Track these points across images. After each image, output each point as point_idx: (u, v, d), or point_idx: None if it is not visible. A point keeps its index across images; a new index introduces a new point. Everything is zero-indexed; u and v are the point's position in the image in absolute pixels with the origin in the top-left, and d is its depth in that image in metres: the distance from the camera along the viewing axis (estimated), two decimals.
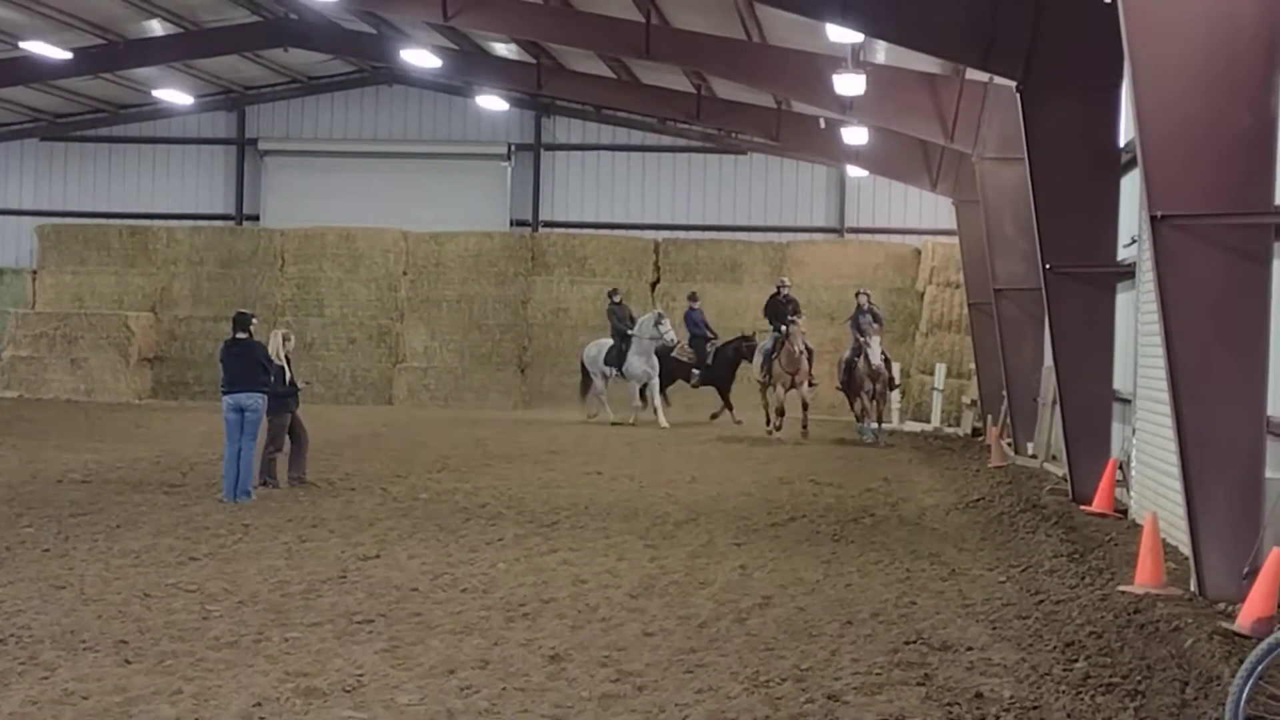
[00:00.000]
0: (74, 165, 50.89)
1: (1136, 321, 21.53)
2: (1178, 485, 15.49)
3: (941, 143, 33.32)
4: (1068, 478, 23.91)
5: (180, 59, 44.07)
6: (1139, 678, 11.98)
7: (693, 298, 41.81)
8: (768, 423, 36.12)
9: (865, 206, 47.93)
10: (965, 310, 39.83)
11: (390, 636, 13.14)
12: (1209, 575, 15.04)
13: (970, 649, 13.08)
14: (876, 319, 36.49)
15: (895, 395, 39.76)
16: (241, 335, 23.05)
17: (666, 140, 48.93)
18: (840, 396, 38.79)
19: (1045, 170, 22.76)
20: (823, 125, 41.25)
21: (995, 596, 15.85)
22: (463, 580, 16.09)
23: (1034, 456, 30.06)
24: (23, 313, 47.76)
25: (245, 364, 22.80)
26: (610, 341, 40.16)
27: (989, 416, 35.39)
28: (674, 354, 40.17)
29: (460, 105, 49.21)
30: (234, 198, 50.57)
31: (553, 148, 49.70)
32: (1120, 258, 23.63)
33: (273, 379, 23.20)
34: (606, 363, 39.99)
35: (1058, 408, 24.41)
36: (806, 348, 35.87)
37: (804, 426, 35.52)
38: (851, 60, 30.65)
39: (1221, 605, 14.54)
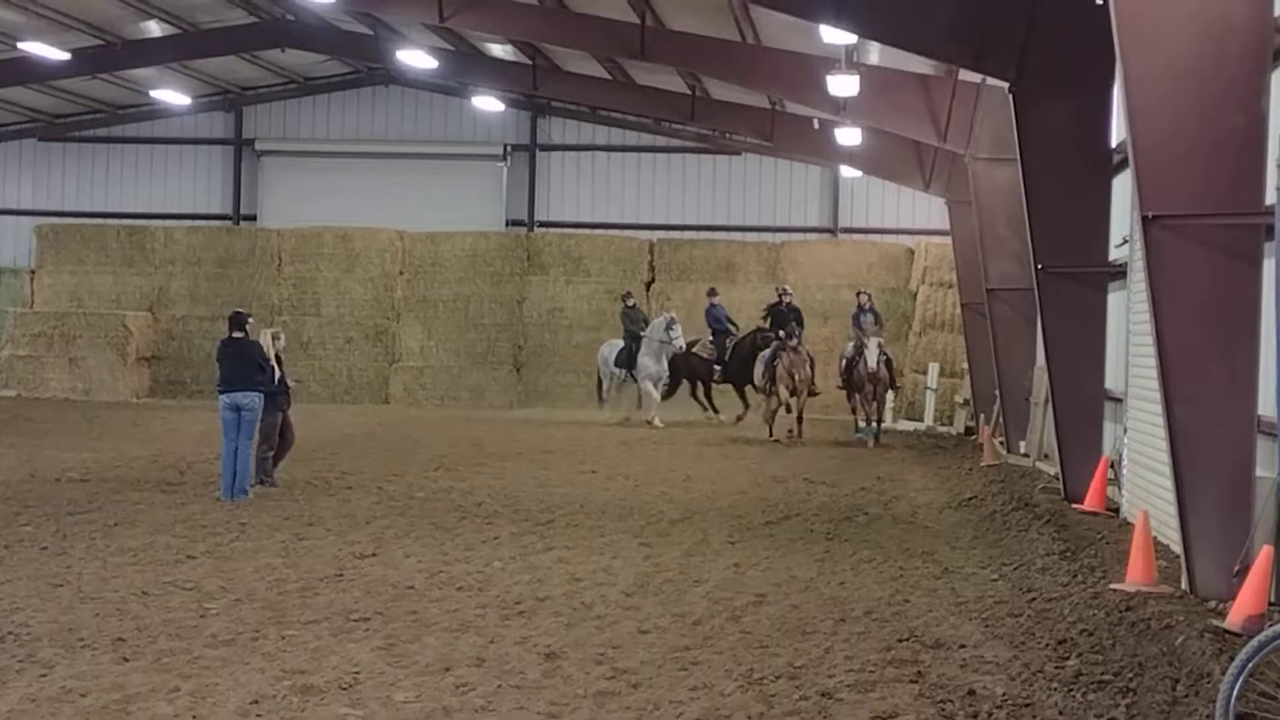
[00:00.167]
0: (72, 165, 50.88)
1: (1128, 321, 21.59)
2: (1169, 484, 15.57)
3: (934, 143, 33.38)
4: (1060, 476, 23.98)
5: (178, 60, 44.10)
6: (1130, 675, 12.03)
7: (712, 293, 41.35)
8: (770, 433, 35.52)
9: (859, 206, 47.97)
10: (958, 310, 39.84)
11: (386, 634, 13.20)
12: (1200, 573, 15.11)
13: (963, 646, 13.13)
14: (877, 319, 36.44)
15: (889, 395, 39.54)
16: (238, 334, 23.07)
17: (661, 141, 48.97)
18: (836, 396, 38.80)
19: (1037, 171, 22.83)
20: (816, 126, 41.29)
21: (988, 594, 15.90)
22: (459, 578, 16.15)
23: (1026, 455, 30.12)
24: (21, 312, 47.77)
25: (242, 363, 22.83)
26: (622, 343, 40.08)
27: (981, 415, 35.40)
28: (695, 350, 40.08)
29: (456, 106, 49.23)
30: (231, 198, 50.59)
31: (548, 148, 49.74)
32: (1112, 258, 23.71)
33: (268, 378, 23.24)
34: (617, 364, 39.89)
35: (1050, 407, 24.46)
36: (808, 355, 35.74)
37: (799, 431, 35.25)
38: (845, 61, 30.72)
39: (1212, 603, 14.62)
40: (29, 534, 18.53)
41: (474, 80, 45.58)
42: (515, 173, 49.57)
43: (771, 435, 35.27)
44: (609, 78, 43.45)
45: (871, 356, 34.72)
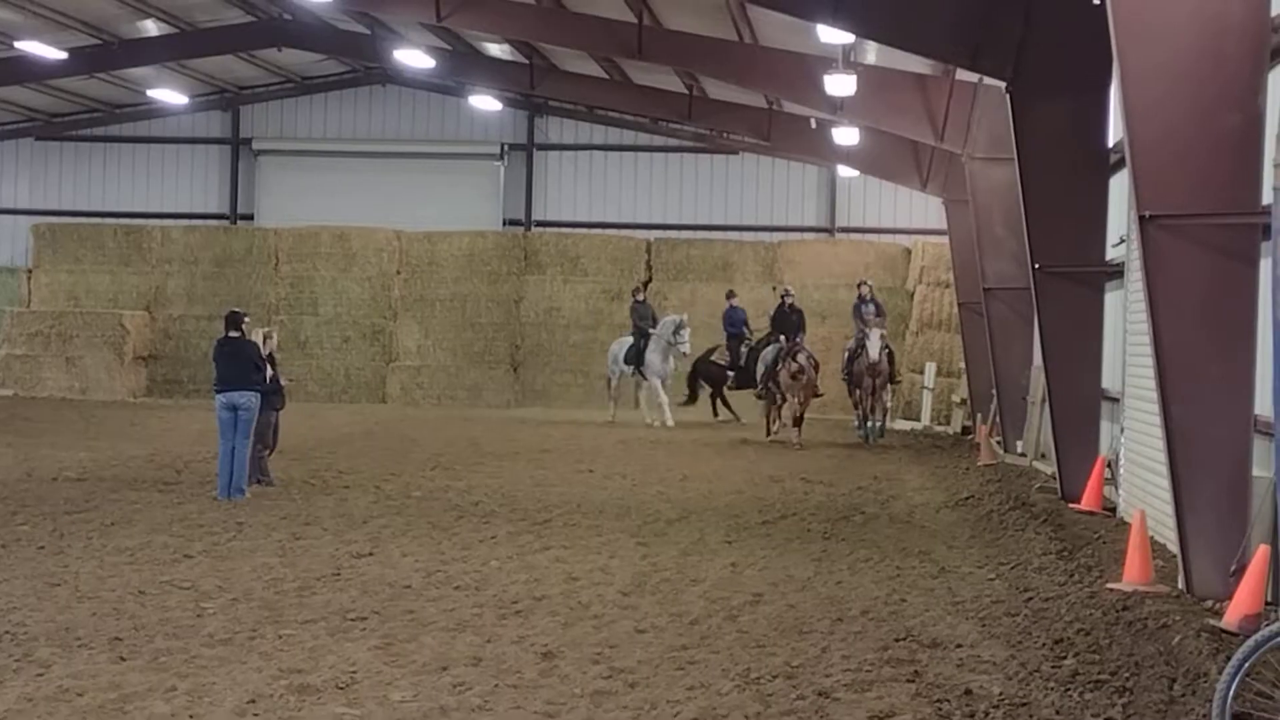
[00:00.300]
0: (69, 165, 50.86)
1: (1125, 321, 21.60)
2: (1166, 483, 15.59)
3: (931, 143, 33.37)
4: (1056, 476, 24.00)
5: (175, 59, 44.08)
6: (1127, 674, 12.04)
7: (731, 295, 41.06)
8: (767, 432, 35.36)
9: (856, 206, 47.96)
10: (955, 309, 39.81)
11: (383, 634, 13.21)
12: (1196, 573, 15.13)
13: (960, 646, 13.15)
14: (879, 309, 36.19)
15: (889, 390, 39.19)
16: (234, 334, 23.06)
17: (658, 140, 48.96)
18: (835, 395, 38.73)
19: (1034, 170, 22.85)
20: (814, 125, 41.29)
21: (984, 594, 15.91)
22: (456, 578, 16.16)
23: (1023, 455, 30.14)
24: (18, 311, 47.75)
25: (238, 362, 22.82)
26: (631, 340, 39.90)
27: (978, 415, 35.41)
28: (714, 357, 39.95)
29: (453, 105, 49.21)
30: (228, 197, 50.57)
31: (545, 147, 49.73)
32: (1109, 257, 23.72)
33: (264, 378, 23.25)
34: (626, 361, 39.72)
35: (1047, 406, 24.48)
36: (811, 359, 35.22)
37: (800, 432, 34.72)
38: (842, 61, 30.71)
39: (1209, 602, 14.64)
40: (26, 533, 18.53)
41: (471, 80, 45.57)
42: (512, 172, 49.58)
43: (769, 436, 35.08)
44: (606, 77, 43.45)
45: (874, 348, 34.51)
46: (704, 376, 40.41)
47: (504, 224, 49.21)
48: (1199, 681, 11.44)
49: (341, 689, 11.25)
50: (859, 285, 37.23)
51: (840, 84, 30.61)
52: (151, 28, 41.24)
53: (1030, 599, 15.50)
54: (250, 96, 50.32)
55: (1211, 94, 14.59)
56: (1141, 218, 14.80)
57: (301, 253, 47.98)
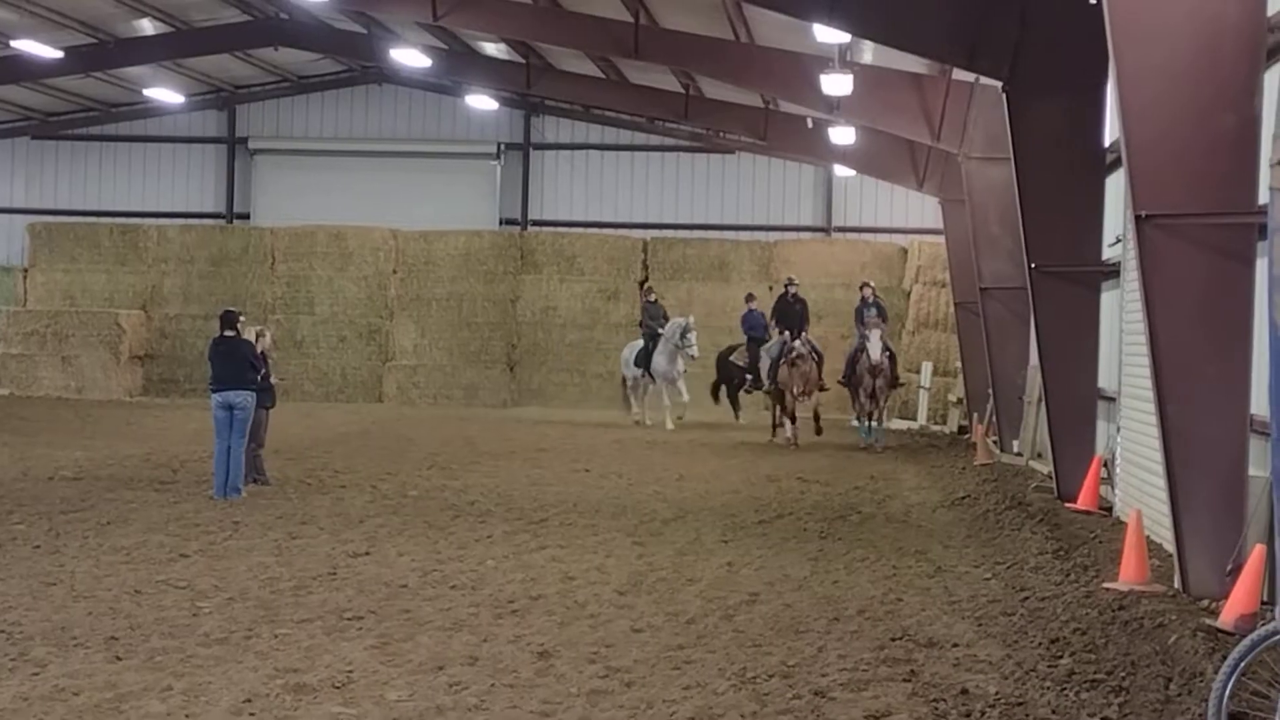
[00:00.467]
0: (65, 164, 50.85)
1: (1121, 320, 21.62)
2: (1162, 483, 15.59)
3: (928, 142, 33.36)
4: (1053, 475, 24.00)
5: (171, 58, 44.06)
6: (1123, 674, 12.05)
7: (750, 298, 40.54)
8: (773, 433, 35.17)
9: (852, 205, 47.97)
10: (951, 309, 39.79)
11: (380, 633, 13.21)
12: (1192, 572, 15.13)
13: (956, 645, 13.15)
14: (881, 312, 35.86)
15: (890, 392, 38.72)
16: (229, 333, 23.07)
17: (655, 140, 48.96)
18: (834, 395, 38.65)
19: (1031, 170, 22.85)
20: (810, 125, 41.27)
21: (981, 593, 15.92)
22: (452, 577, 16.16)
23: (1019, 454, 30.13)
24: (14, 310, 47.74)
25: (233, 361, 22.82)
26: (642, 343, 39.66)
27: (975, 414, 35.42)
28: (732, 358, 39.75)
29: (450, 105, 49.22)
30: (224, 196, 50.55)
31: (542, 147, 49.73)
32: (1105, 257, 23.72)
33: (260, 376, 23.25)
34: (636, 363, 39.51)
35: (1043, 406, 24.49)
36: (816, 351, 35.08)
37: (817, 431, 34.74)
38: (839, 60, 30.73)
39: (1205, 602, 14.64)
40: (22, 532, 18.53)
41: (467, 79, 45.56)
42: (509, 171, 49.58)
43: (773, 437, 34.82)
44: (602, 76, 43.45)
45: (875, 349, 33.93)
46: (721, 372, 40.18)
47: (500, 223, 49.22)
48: (1195, 681, 11.44)
49: (338, 688, 11.25)
50: (861, 288, 36.71)
51: (837, 83, 30.61)
52: (147, 27, 41.23)
53: (1026, 598, 15.50)
54: (246, 96, 50.32)
55: (1208, 94, 14.59)
56: (1138, 217, 14.80)
57: (298, 252, 47.96)
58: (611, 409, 40.91)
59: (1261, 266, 14.66)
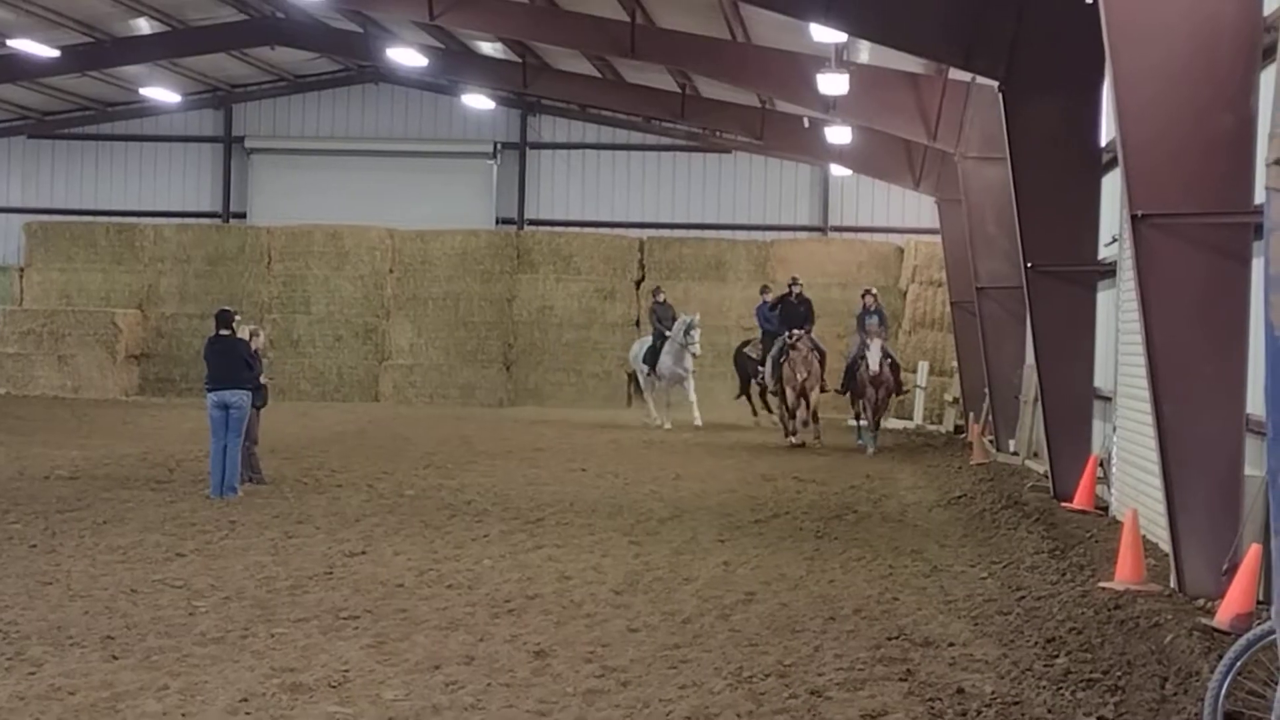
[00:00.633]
0: (61, 163, 50.82)
1: (1117, 320, 21.62)
2: (1158, 482, 15.59)
3: (924, 142, 33.36)
4: (1049, 475, 24.00)
5: (167, 57, 44.00)
6: (1119, 673, 12.05)
7: (765, 290, 40.20)
8: (786, 434, 34.41)
9: (849, 205, 47.95)
10: (948, 308, 39.78)
11: (376, 632, 13.22)
12: (1189, 572, 15.14)
13: (952, 645, 13.16)
14: (882, 320, 35.43)
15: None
16: (224, 332, 23.07)
17: (651, 139, 48.95)
18: (827, 397, 38.53)
19: (1027, 169, 22.84)
20: (806, 124, 41.29)
21: (977, 593, 15.93)
22: (448, 576, 16.17)
23: (1015, 454, 30.13)
24: (10, 310, 47.71)
25: (228, 361, 22.82)
26: (651, 341, 39.51)
27: (971, 414, 35.38)
28: (746, 350, 39.60)
29: (446, 104, 49.20)
30: (221, 195, 50.52)
31: (538, 146, 49.72)
32: (1101, 256, 23.73)
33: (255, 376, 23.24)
34: (644, 361, 39.38)
35: (1039, 405, 24.49)
36: (818, 350, 34.60)
37: (816, 436, 34.09)
38: (835, 60, 30.71)
39: (1201, 601, 14.64)
40: (18, 532, 18.54)
41: (464, 78, 45.53)
42: (505, 171, 49.57)
43: (787, 436, 34.22)
44: (599, 76, 43.45)
45: (874, 359, 33.42)
46: (737, 365, 40.05)
47: (497, 223, 49.20)
48: (1191, 680, 11.45)
49: (334, 688, 11.26)
50: (863, 295, 36.16)
51: (833, 83, 30.60)
52: (144, 26, 41.20)
53: (1022, 598, 15.51)
54: (243, 95, 50.28)
55: (1204, 93, 14.59)
56: (1134, 217, 14.80)
57: (294, 251, 47.94)
58: (608, 408, 40.89)
59: (1258, 266, 14.69)
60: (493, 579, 16.09)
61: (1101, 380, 23.97)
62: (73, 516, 19.88)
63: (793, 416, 34.17)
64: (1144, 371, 15.35)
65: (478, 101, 46.86)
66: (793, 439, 33.97)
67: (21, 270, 48.86)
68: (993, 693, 11.39)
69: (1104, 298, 23.76)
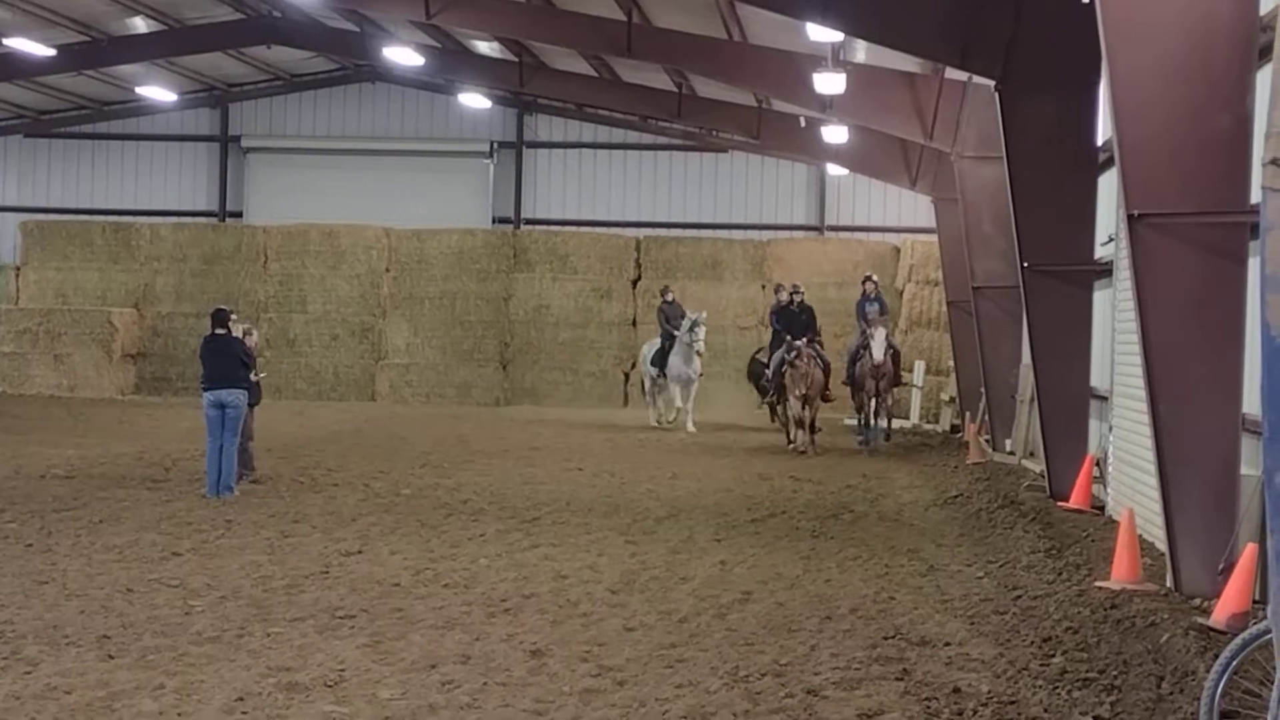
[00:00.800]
0: (58, 162, 50.77)
1: (1113, 319, 21.63)
2: (1154, 482, 15.61)
3: (921, 141, 33.37)
4: (1045, 474, 24.01)
5: (164, 56, 43.97)
6: (1115, 672, 12.06)
7: (779, 289, 39.14)
8: (789, 441, 33.76)
9: (845, 204, 47.96)
10: (944, 308, 39.78)
11: (372, 632, 13.21)
12: (1185, 571, 15.15)
13: (948, 644, 13.16)
14: (883, 307, 35.15)
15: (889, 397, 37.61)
16: (220, 331, 23.07)
17: (648, 138, 48.94)
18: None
19: (1023, 169, 22.86)
20: (803, 124, 41.30)
21: (973, 592, 15.93)
22: (444, 575, 16.16)
23: (1012, 453, 30.15)
24: (6, 308, 47.64)
25: (224, 360, 22.82)
26: (660, 342, 39.34)
27: (967, 413, 35.38)
28: (759, 356, 39.47)
29: (443, 103, 49.17)
30: (217, 194, 50.48)
31: (535, 145, 49.70)
32: (1098, 256, 23.75)
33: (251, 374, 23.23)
34: (653, 363, 39.24)
35: (1035, 405, 24.49)
36: (821, 359, 33.48)
37: (811, 443, 32.81)
38: (831, 59, 30.70)
39: (1197, 601, 14.66)
40: (14, 531, 18.53)
41: (460, 77, 45.52)
42: (502, 170, 49.54)
43: (790, 443, 33.58)
44: (595, 75, 43.45)
45: (878, 348, 33.11)
46: (750, 372, 39.94)
47: (493, 222, 49.17)
48: (1187, 679, 11.45)
49: (330, 687, 11.25)
50: (863, 282, 36.05)
51: (829, 82, 30.59)
52: (140, 25, 41.17)
53: (1019, 597, 15.52)
54: (239, 94, 50.25)
55: (1201, 93, 14.60)
56: (1130, 216, 14.81)
57: (290, 250, 47.90)
58: (605, 407, 40.85)
59: (1254, 266, 14.70)
60: (489, 578, 16.09)
61: (1098, 380, 23.98)
62: (69, 516, 19.87)
63: (800, 426, 33.22)
64: (1140, 371, 15.36)
65: (474, 101, 46.85)
66: (794, 445, 33.53)
67: (17, 269, 48.80)
68: (989, 692, 11.39)
69: (1100, 297, 23.76)
